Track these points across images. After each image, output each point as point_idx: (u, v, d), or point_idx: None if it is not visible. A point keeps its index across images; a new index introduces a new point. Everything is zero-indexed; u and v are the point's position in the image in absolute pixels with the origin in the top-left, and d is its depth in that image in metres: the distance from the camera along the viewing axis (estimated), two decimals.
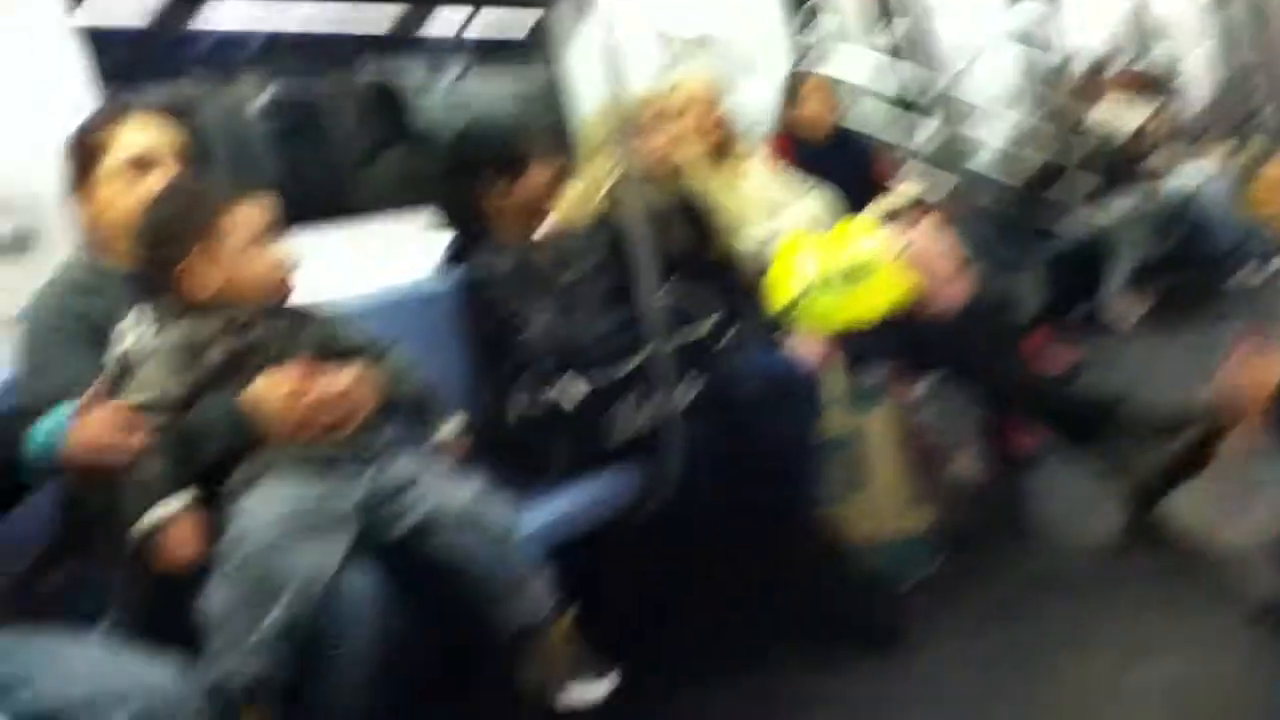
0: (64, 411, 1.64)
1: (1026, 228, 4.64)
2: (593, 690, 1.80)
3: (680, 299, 2.43)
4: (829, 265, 2.99)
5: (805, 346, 2.80)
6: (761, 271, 3.10)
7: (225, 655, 1.56)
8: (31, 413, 1.67)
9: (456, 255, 2.56)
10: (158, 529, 1.64)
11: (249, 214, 1.88)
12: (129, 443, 1.63)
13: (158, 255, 1.85)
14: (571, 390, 2.26)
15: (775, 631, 2.58)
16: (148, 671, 1.45)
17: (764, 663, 2.52)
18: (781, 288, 3.03)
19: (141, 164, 1.98)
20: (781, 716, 2.33)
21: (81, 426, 1.62)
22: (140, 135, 2.00)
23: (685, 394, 2.35)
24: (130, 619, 1.64)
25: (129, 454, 1.63)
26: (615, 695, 1.82)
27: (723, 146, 3.19)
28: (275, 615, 1.57)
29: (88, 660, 1.46)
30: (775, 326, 2.87)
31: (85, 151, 2.00)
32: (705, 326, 2.42)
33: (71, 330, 1.89)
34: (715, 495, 2.40)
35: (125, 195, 1.97)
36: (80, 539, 1.73)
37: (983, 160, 4.78)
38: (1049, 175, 4.99)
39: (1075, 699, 2.18)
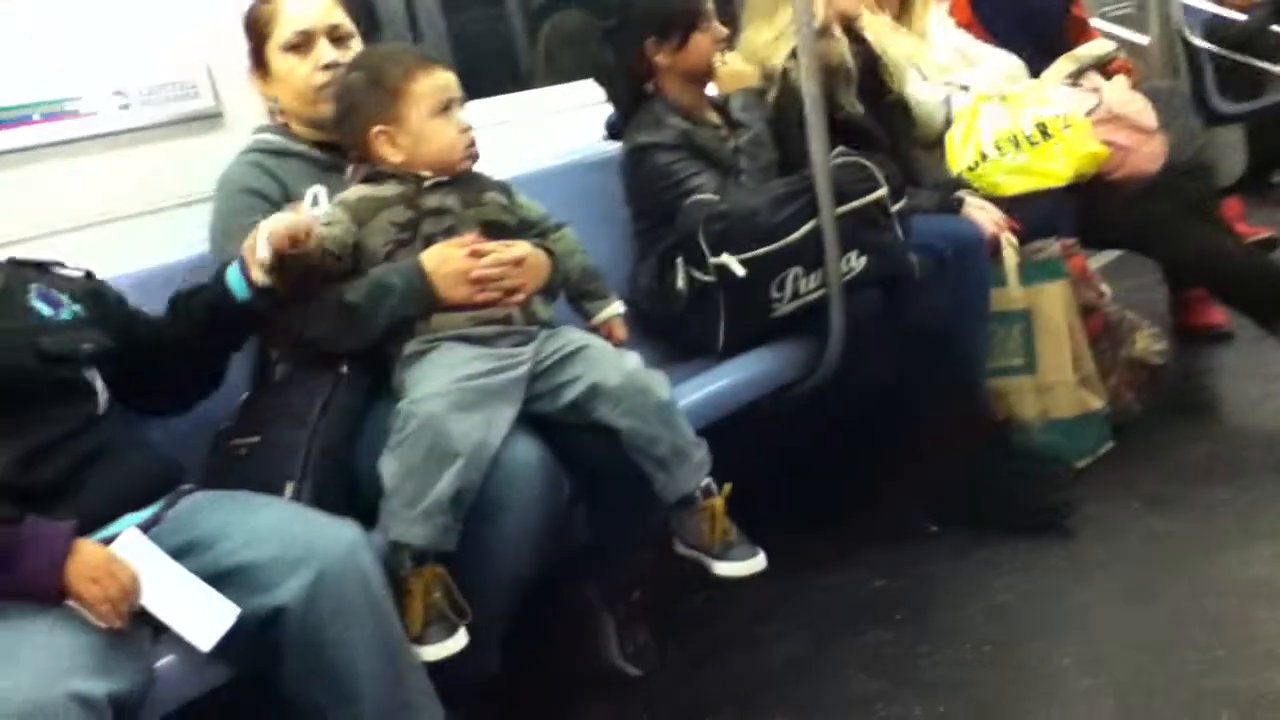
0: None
1: (1232, 81, 4.27)
2: (744, 567, 1.82)
3: (850, 166, 2.35)
4: (1010, 128, 2.85)
5: (980, 214, 2.69)
6: (938, 134, 2.97)
7: (399, 519, 1.63)
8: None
9: (620, 125, 2.53)
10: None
11: (436, 83, 1.89)
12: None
13: (348, 123, 1.90)
14: (734, 262, 2.22)
15: (939, 509, 2.56)
16: (328, 533, 1.53)
17: (925, 540, 2.52)
18: (958, 151, 2.91)
19: (306, 39, 2.00)
20: (942, 592, 2.34)
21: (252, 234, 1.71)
22: (302, 10, 2.01)
23: (854, 264, 2.29)
24: (314, 484, 1.73)
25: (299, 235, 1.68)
26: (768, 572, 1.83)
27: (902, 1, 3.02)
28: (445, 482, 1.63)
29: (274, 521, 1.56)
30: (950, 192, 2.76)
31: (255, 31, 2.04)
32: (876, 194, 2.33)
33: (259, 198, 1.96)
34: (880, 369, 2.36)
35: (294, 70, 2.01)
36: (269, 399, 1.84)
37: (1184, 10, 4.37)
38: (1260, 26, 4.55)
39: (1236, 591, 2.12)
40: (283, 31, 2.01)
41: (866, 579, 2.41)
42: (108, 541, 1.47)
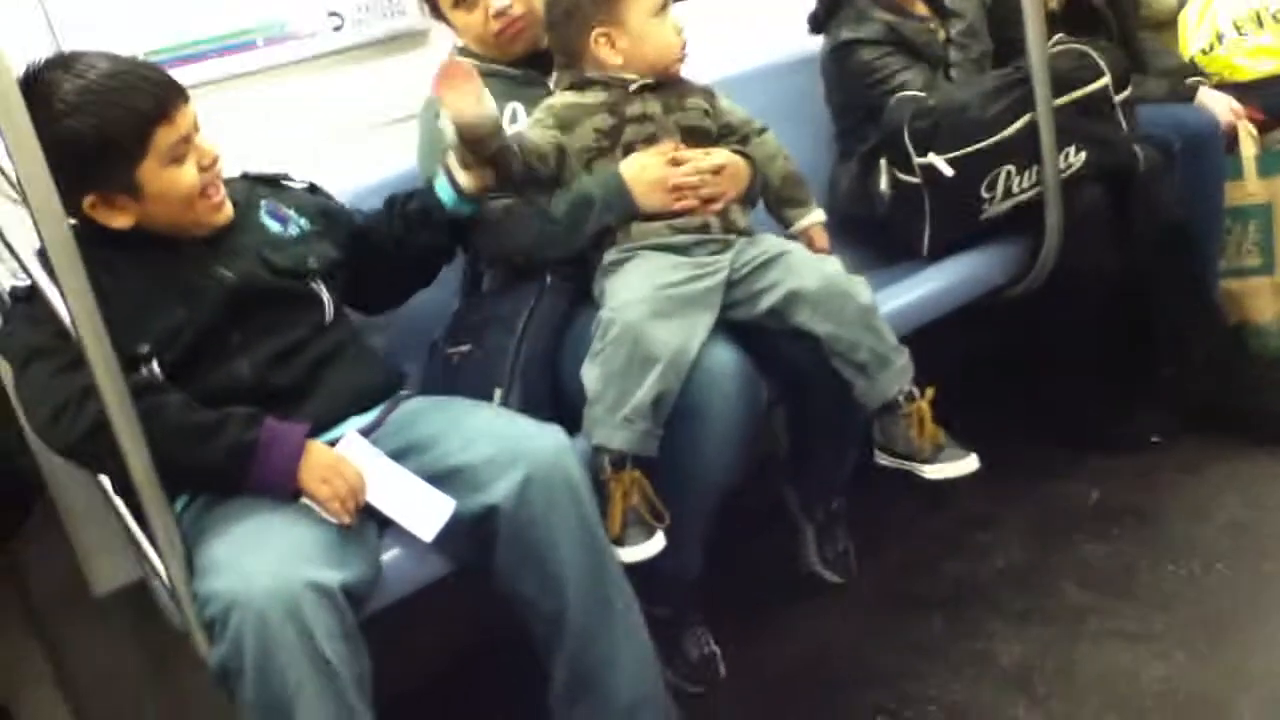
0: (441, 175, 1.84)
1: None
2: (956, 468, 1.76)
3: (1069, 54, 2.21)
4: (1251, 4, 2.63)
5: (1214, 101, 2.50)
6: (1170, 13, 2.76)
7: (601, 424, 1.68)
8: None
9: (823, 19, 2.45)
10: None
11: None
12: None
13: (566, 27, 1.91)
14: (941, 161, 2.13)
15: (1167, 418, 2.43)
16: (537, 436, 1.59)
17: (1151, 451, 2.40)
18: (1192, 32, 2.71)
19: None
20: (1168, 506, 2.23)
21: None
22: None
23: (1072, 160, 2.17)
24: (521, 390, 1.79)
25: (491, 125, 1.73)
26: (981, 481, 1.79)
27: None
28: (645, 388, 1.66)
29: (486, 425, 1.63)
30: (1181, 79, 2.56)
31: None
32: (1098, 83, 2.18)
33: None
34: (1103, 271, 2.24)
35: (469, 23, 2.02)
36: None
37: None
38: None
39: None
40: None
41: (1085, 490, 2.32)
42: (333, 444, 1.58)
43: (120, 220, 1.56)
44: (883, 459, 1.82)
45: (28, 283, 1.51)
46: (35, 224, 1.28)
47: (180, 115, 1.55)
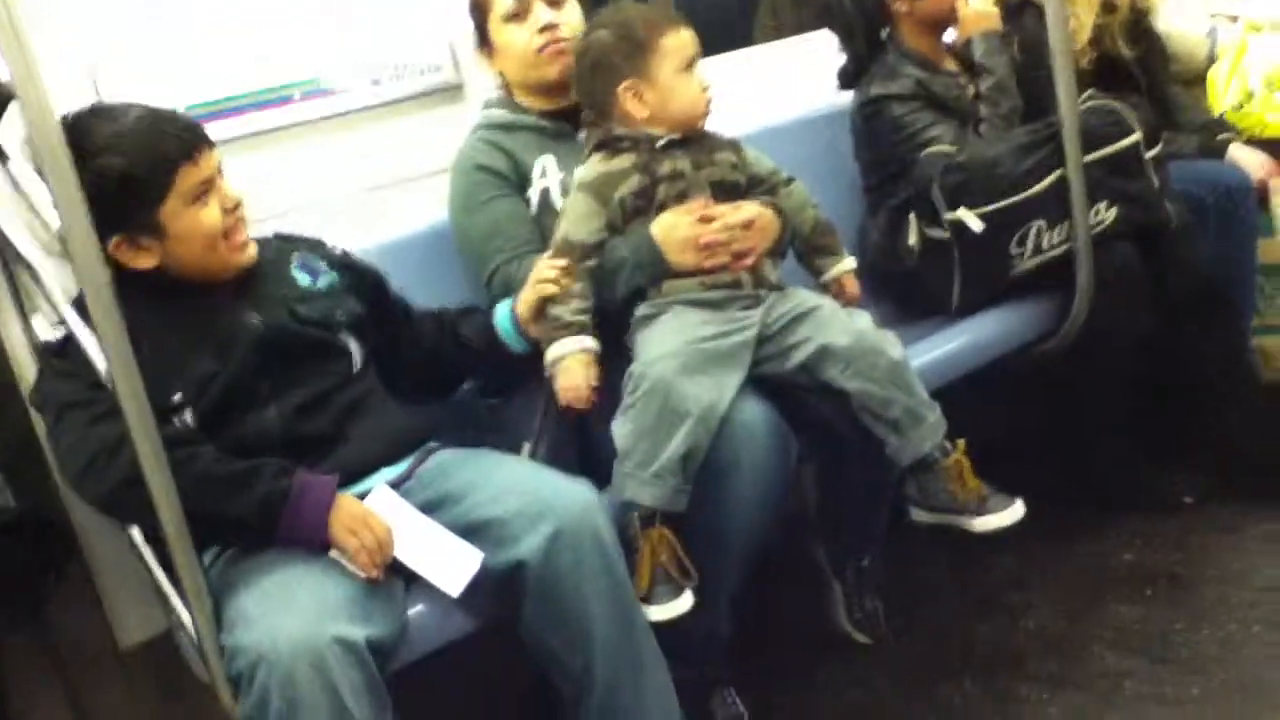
0: (507, 303, 1.88)
1: None
2: (1006, 516, 1.73)
3: (1100, 110, 2.21)
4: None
5: (1247, 158, 2.49)
6: (1201, 70, 2.76)
7: (631, 480, 1.67)
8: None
9: (853, 76, 2.46)
10: (559, 363, 1.78)
11: (682, 39, 1.90)
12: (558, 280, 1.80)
13: (594, 79, 1.92)
14: (971, 217, 2.13)
15: (1201, 478, 2.40)
16: (566, 491, 1.59)
17: (1186, 513, 2.36)
18: (1223, 89, 2.70)
19: (523, 6, 2.05)
20: (1203, 568, 2.19)
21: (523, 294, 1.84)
22: None
23: (1104, 216, 2.16)
24: (550, 443, 1.80)
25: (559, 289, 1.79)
26: (1014, 543, 1.75)
27: None
28: (675, 443, 1.65)
29: (516, 478, 1.63)
30: (1213, 135, 2.56)
31: (477, 9, 2.11)
32: (1129, 140, 2.18)
33: (491, 174, 2.03)
34: (1134, 327, 2.22)
35: (515, 38, 2.06)
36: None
37: None
38: None
39: None
40: (502, 3, 2.06)
41: (1117, 551, 2.28)
42: (363, 496, 1.58)
43: (144, 261, 1.58)
44: (920, 516, 1.80)
45: (58, 337, 1.53)
46: (75, 271, 1.29)
47: (204, 158, 1.58)
